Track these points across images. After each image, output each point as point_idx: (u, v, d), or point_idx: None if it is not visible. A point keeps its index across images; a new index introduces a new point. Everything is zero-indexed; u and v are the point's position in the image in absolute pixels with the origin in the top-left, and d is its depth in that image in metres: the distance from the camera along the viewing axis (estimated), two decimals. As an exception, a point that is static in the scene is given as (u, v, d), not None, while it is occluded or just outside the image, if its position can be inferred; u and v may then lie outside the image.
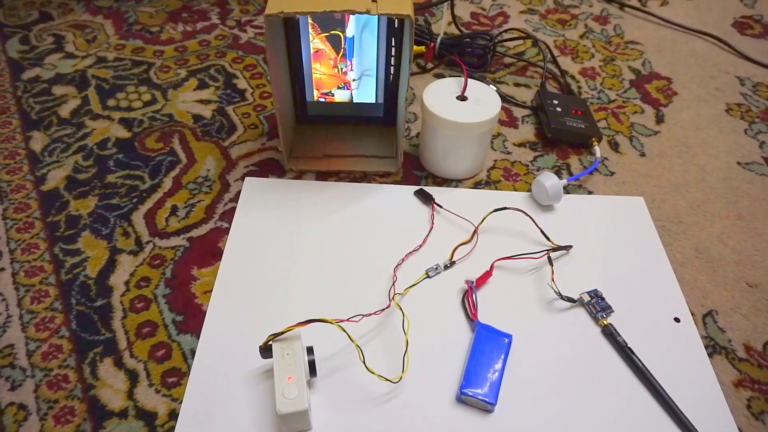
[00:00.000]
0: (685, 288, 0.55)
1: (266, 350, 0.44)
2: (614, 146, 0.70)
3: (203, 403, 0.45)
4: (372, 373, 0.44)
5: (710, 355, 0.50)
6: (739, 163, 0.69)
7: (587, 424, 0.45)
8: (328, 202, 0.61)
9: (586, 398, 0.46)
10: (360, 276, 0.54)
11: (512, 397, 0.46)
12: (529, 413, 0.45)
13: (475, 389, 0.45)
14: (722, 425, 0.45)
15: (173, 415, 0.44)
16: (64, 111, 0.72)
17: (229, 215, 0.60)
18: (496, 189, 0.64)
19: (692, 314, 0.53)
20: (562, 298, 0.52)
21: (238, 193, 0.62)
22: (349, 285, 0.53)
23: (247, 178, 0.63)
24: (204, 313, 0.51)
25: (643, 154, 0.69)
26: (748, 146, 0.71)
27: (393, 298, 0.51)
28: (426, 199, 0.61)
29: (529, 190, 0.63)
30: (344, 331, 0.43)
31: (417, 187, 0.63)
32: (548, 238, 0.57)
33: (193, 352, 0.48)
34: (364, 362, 0.44)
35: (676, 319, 0.52)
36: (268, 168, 0.65)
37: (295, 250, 0.56)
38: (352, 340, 0.43)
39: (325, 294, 0.53)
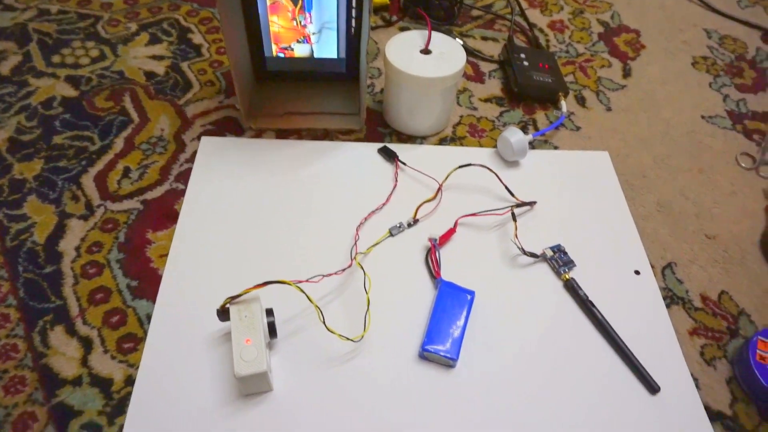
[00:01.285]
0: (647, 241, 0.55)
1: (224, 313, 0.43)
2: (581, 101, 0.69)
3: (161, 368, 0.44)
4: (332, 332, 0.43)
5: (668, 306, 0.51)
6: (702, 117, 0.69)
7: (548, 376, 0.45)
8: (288, 160, 0.59)
9: (547, 351, 0.47)
10: (321, 236, 0.53)
11: (474, 352, 0.46)
12: (490, 367, 0.45)
13: (437, 346, 0.45)
14: (676, 372, 0.46)
15: (130, 381, 0.43)
16: (4, 68, 0.67)
17: (185, 176, 0.57)
18: (462, 145, 0.63)
19: (652, 266, 0.53)
20: (525, 253, 0.52)
21: (195, 153, 0.59)
22: (310, 246, 0.52)
23: (203, 138, 0.61)
24: (160, 278, 0.49)
25: (609, 109, 0.68)
26: (712, 100, 0.71)
27: (355, 257, 0.50)
28: (390, 156, 0.60)
29: (495, 146, 0.62)
30: (302, 291, 0.42)
31: (381, 145, 0.61)
32: (512, 194, 0.57)
33: (149, 318, 0.47)
34: (323, 322, 0.43)
35: (637, 272, 0.53)
36: (226, 127, 0.62)
37: (254, 211, 0.54)
38: (311, 301, 0.43)
39: (285, 255, 0.51)
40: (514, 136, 0.59)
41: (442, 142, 0.63)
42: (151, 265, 0.50)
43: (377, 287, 0.49)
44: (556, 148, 0.63)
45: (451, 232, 0.53)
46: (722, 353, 0.48)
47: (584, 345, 0.47)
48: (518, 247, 0.52)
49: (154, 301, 0.48)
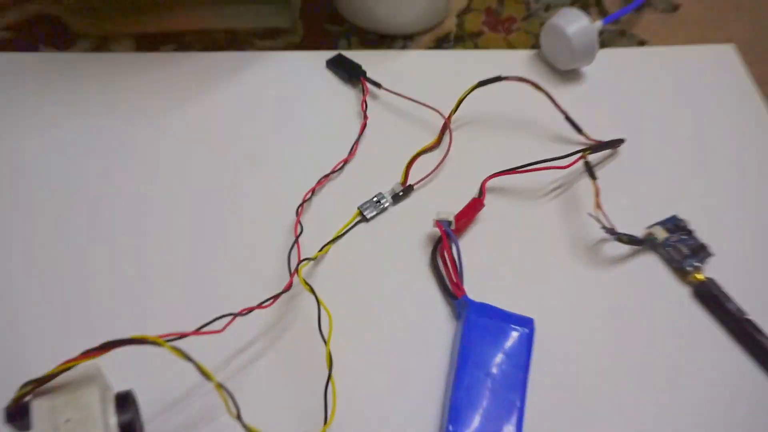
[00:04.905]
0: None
1: (21, 413, 0.19)
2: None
3: None
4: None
5: None
6: None
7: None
8: (159, 91, 0.33)
9: (666, 409, 0.23)
10: (225, 233, 0.28)
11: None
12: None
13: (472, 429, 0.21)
14: None
15: None
16: None
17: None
18: (476, 48, 0.37)
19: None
20: (620, 238, 0.27)
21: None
22: (204, 255, 0.27)
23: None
24: None
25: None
26: None
27: (296, 270, 0.25)
28: (350, 73, 0.34)
29: (536, 46, 0.37)
30: (188, 359, 0.17)
31: (333, 53, 0.35)
32: (579, 130, 0.32)
33: None
34: (237, 416, 0.18)
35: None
36: (43, 32, 0.35)
37: (89, 189, 0.29)
38: (207, 375, 0.18)
39: (151, 277, 0.27)
40: (573, 24, 0.33)
41: (442, 43, 0.37)
42: None
43: (343, 322, 0.24)
44: (642, 43, 0.38)
45: (476, 205, 0.29)
46: None
47: (734, 390, 0.24)
48: (603, 227, 0.27)
49: None
